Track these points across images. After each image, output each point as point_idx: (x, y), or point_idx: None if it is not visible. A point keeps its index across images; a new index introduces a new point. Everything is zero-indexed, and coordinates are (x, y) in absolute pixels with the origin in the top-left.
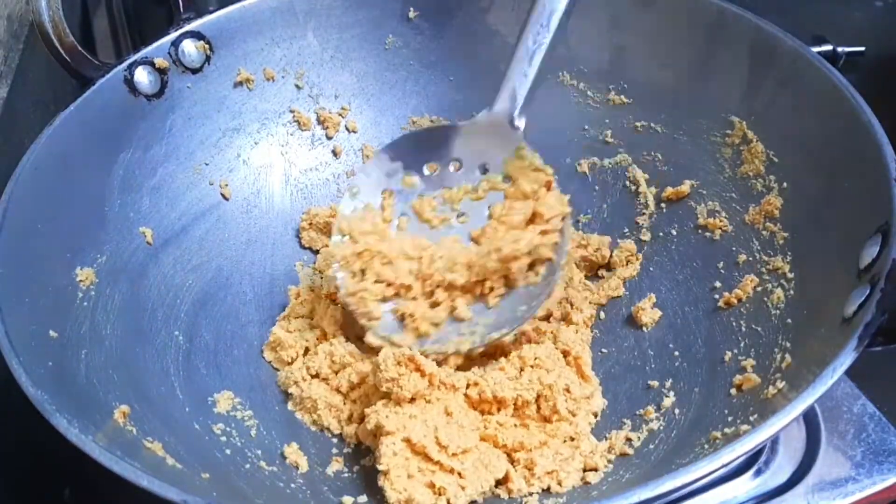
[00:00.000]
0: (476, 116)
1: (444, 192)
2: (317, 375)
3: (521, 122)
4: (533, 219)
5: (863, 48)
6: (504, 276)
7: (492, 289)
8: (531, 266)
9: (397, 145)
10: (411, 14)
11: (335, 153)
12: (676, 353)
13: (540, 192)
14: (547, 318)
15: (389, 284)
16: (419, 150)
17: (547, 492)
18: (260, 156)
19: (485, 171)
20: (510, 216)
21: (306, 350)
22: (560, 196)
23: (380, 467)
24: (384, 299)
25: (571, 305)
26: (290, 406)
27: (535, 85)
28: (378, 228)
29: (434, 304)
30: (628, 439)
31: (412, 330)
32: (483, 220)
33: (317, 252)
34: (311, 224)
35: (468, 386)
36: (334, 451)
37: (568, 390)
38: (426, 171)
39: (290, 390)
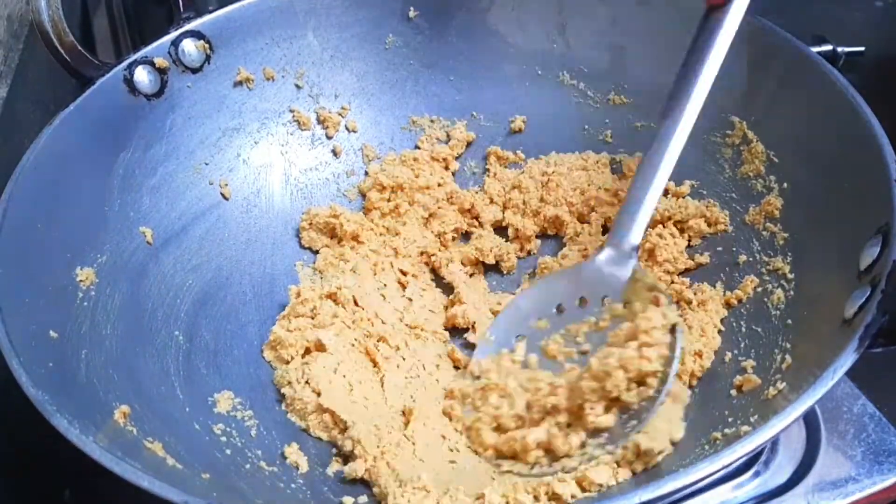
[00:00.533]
0: (599, 253)
1: (569, 326)
2: (308, 383)
3: (636, 241)
4: (635, 334)
5: (863, 48)
6: (605, 396)
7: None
8: (640, 383)
9: (528, 295)
10: (411, 14)
11: (335, 153)
12: None
13: (647, 307)
14: None
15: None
16: (550, 294)
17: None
18: (260, 155)
19: (607, 302)
20: (616, 336)
21: (306, 350)
22: (666, 310)
23: None
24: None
25: None
26: (283, 407)
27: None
28: (509, 370)
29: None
30: None
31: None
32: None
33: (316, 252)
34: (311, 224)
35: None
36: (334, 451)
37: None
38: (555, 312)
39: (283, 390)
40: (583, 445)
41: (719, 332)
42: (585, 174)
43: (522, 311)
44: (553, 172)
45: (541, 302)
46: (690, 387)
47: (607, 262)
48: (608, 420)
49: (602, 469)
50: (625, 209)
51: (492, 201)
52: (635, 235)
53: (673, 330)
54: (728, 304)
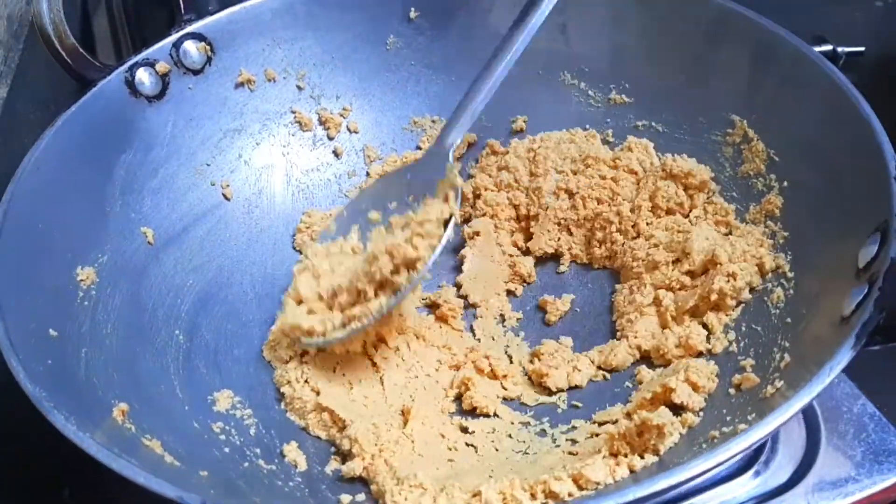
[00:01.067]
0: (424, 155)
1: (392, 219)
2: (307, 382)
3: (453, 141)
4: (408, 223)
5: (863, 48)
6: (373, 279)
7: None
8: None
9: (367, 193)
10: (412, 14)
11: (336, 154)
12: None
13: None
14: None
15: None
16: (386, 191)
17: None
18: (261, 156)
19: (422, 197)
20: (395, 224)
21: (306, 350)
22: (447, 206)
23: None
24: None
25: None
26: (282, 406)
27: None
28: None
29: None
30: None
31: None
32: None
33: None
34: (308, 227)
35: None
36: (333, 450)
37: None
38: (389, 207)
39: (282, 389)
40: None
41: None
42: (574, 146)
43: (361, 207)
44: (539, 147)
45: (377, 198)
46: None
47: (429, 161)
48: (379, 302)
49: (599, 467)
50: (452, 116)
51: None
52: (453, 137)
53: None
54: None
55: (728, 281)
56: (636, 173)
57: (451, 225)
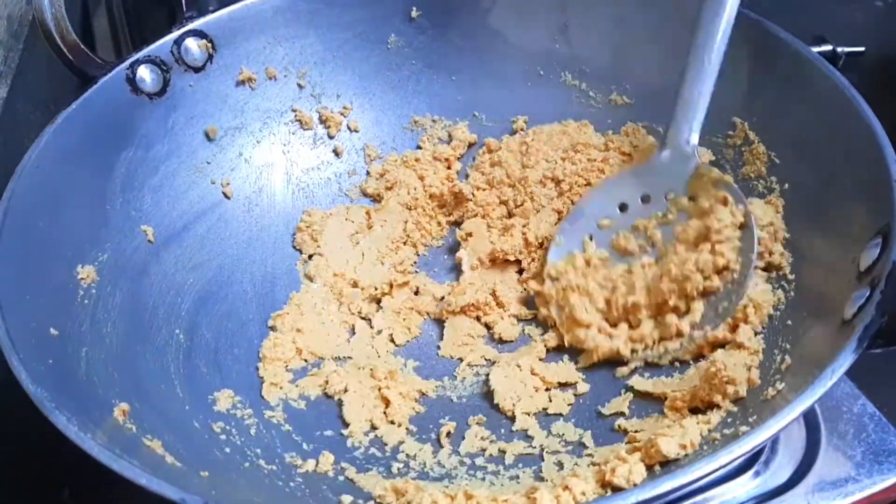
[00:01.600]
0: (658, 153)
1: (637, 222)
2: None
3: (695, 141)
4: (707, 235)
5: (863, 48)
6: (685, 295)
7: (677, 308)
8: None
9: (589, 198)
10: (414, 13)
11: (337, 153)
12: None
13: (715, 206)
14: None
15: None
16: (609, 197)
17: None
18: (262, 155)
19: (671, 196)
20: (686, 233)
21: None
22: (735, 208)
23: None
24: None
25: None
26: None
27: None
28: (583, 269)
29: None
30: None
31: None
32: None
33: (310, 257)
34: (308, 227)
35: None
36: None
37: None
38: (618, 212)
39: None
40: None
41: None
42: (567, 136)
43: (586, 213)
44: (532, 140)
45: (603, 203)
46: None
47: (667, 160)
48: (697, 309)
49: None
50: (679, 107)
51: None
52: (694, 132)
53: (743, 226)
54: None
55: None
56: (629, 155)
57: (752, 225)
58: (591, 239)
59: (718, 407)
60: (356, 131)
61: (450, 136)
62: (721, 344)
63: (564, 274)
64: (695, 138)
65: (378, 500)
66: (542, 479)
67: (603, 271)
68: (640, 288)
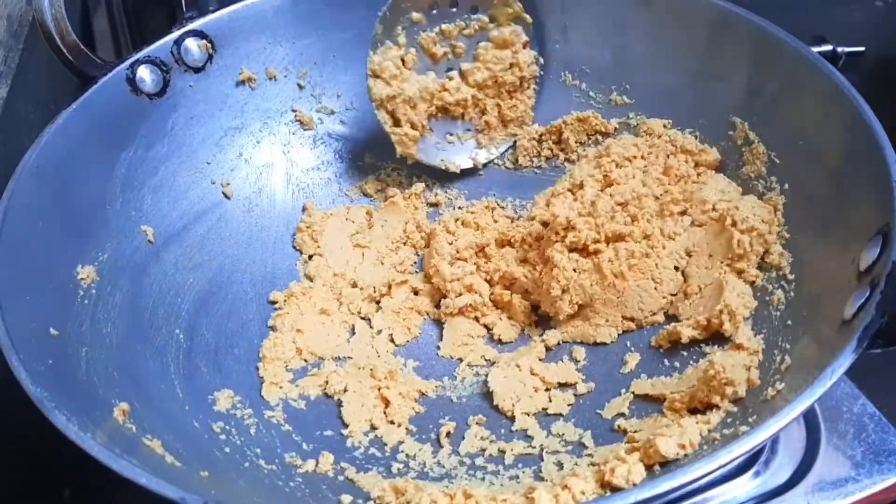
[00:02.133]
0: None
1: (443, 27)
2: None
3: None
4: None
5: (863, 48)
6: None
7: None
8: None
9: None
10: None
11: (337, 153)
12: None
13: (517, 47)
14: None
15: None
16: None
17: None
18: (262, 155)
19: (475, 10)
20: (492, 64)
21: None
22: (532, 54)
23: None
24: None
25: None
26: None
27: None
28: (399, 70)
29: None
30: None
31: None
32: (471, 59)
33: (310, 257)
34: (308, 227)
35: None
36: None
37: None
38: (429, 8)
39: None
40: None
41: None
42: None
43: (399, 4)
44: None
45: None
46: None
47: None
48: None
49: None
50: None
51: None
52: None
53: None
54: None
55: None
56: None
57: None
58: (402, 30)
59: (718, 407)
60: (356, 131)
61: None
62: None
63: (384, 72)
64: None
65: (377, 500)
66: (541, 479)
67: (417, 79)
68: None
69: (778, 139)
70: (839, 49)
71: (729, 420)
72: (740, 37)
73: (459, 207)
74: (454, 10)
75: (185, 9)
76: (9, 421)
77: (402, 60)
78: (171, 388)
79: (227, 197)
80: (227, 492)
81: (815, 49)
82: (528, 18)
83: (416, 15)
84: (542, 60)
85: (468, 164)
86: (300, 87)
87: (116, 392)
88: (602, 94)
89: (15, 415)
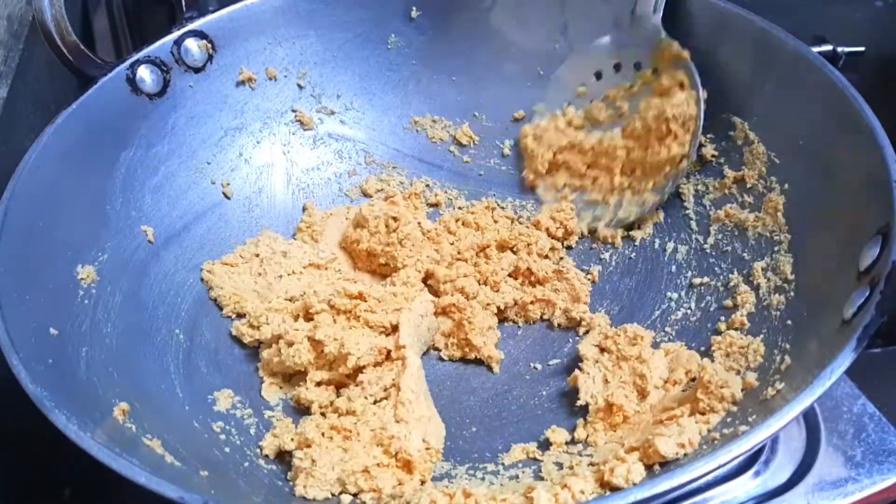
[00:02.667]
0: (627, 23)
1: (608, 92)
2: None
3: (660, 12)
4: (667, 122)
5: (863, 48)
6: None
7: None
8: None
9: (568, 66)
10: (414, 13)
11: (337, 153)
12: None
13: (673, 89)
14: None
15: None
16: (586, 65)
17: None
18: (262, 155)
19: (639, 67)
20: (646, 111)
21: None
22: (689, 92)
23: None
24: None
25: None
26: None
27: None
28: (567, 132)
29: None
30: None
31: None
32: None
33: None
34: (308, 227)
35: None
36: None
37: None
38: (593, 80)
39: None
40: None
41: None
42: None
43: (565, 81)
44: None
45: (581, 70)
46: None
47: (636, 30)
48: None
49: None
50: None
51: None
52: (660, 5)
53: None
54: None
55: None
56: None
57: (702, 106)
58: (569, 105)
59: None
60: (356, 131)
61: (452, 136)
62: None
63: (546, 132)
64: (661, 9)
65: (377, 499)
66: (541, 479)
67: (578, 139)
68: (612, 157)
69: (778, 139)
70: (839, 49)
71: (728, 420)
72: (739, 36)
73: (460, 208)
74: (618, 73)
75: (185, 9)
76: (9, 421)
77: (569, 122)
78: (171, 387)
79: (227, 197)
80: (227, 492)
81: (815, 49)
82: (685, 54)
83: (580, 89)
84: (704, 95)
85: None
86: (300, 87)
87: (116, 392)
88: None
89: (15, 415)
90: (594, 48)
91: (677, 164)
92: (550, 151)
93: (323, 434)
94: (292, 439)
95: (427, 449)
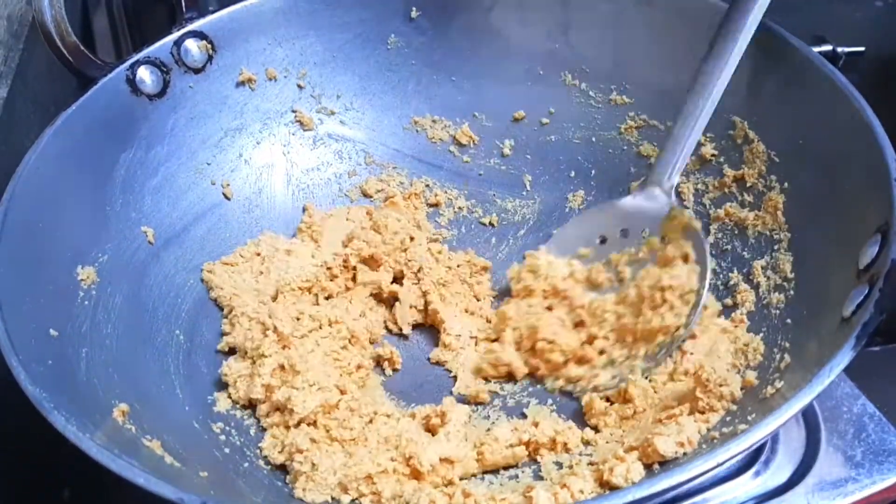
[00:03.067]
0: (642, 189)
1: (612, 256)
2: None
3: (675, 181)
4: (662, 292)
5: (863, 48)
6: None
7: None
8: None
9: (575, 224)
10: (413, 14)
11: (337, 153)
12: None
13: (678, 261)
14: None
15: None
16: (592, 228)
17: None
18: (262, 155)
19: (646, 234)
20: (641, 283)
21: None
22: (693, 270)
23: None
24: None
25: None
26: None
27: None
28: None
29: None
30: None
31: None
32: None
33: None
34: (308, 227)
35: None
36: None
37: None
38: (598, 242)
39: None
40: (612, 363)
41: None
42: None
43: (569, 239)
44: None
45: (586, 232)
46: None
47: (648, 197)
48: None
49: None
50: (669, 145)
51: None
52: (674, 174)
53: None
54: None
55: None
56: None
57: (703, 292)
58: (573, 258)
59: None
60: (356, 132)
61: (452, 137)
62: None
63: (538, 272)
64: (676, 178)
65: (376, 498)
66: (540, 479)
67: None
68: (600, 321)
69: (778, 139)
70: (839, 49)
71: (728, 419)
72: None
73: (459, 208)
74: (625, 238)
75: (184, 9)
76: (9, 421)
77: (570, 274)
78: (171, 388)
79: (227, 198)
80: (227, 492)
81: (815, 49)
82: (696, 225)
83: (583, 251)
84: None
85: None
86: (300, 87)
87: (116, 392)
88: (602, 94)
89: (15, 415)
90: (600, 213)
91: (672, 333)
92: (546, 284)
93: (314, 441)
94: (280, 452)
95: (442, 463)
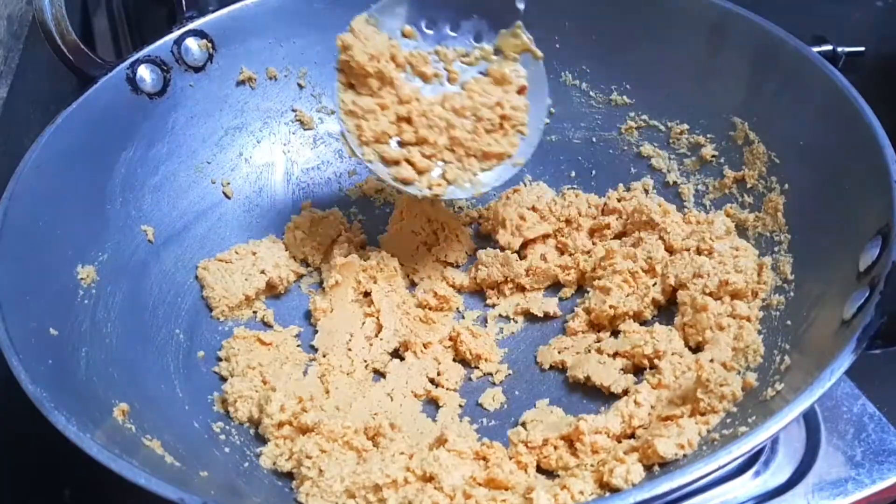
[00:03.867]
0: None
1: (438, 48)
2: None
3: (522, 4)
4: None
5: (863, 48)
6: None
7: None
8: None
9: None
10: None
11: (337, 152)
12: None
13: (512, 88)
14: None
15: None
16: (423, 6)
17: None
18: (262, 154)
19: (479, 39)
20: (477, 96)
21: None
22: (527, 102)
23: None
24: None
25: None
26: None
27: None
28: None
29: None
30: None
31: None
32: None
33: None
34: (296, 227)
35: None
36: None
37: None
38: (424, 27)
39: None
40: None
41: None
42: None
43: (395, 11)
44: None
45: (417, 8)
46: None
47: (495, 4)
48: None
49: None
50: None
51: None
52: None
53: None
54: None
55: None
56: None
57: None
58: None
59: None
60: None
61: None
62: None
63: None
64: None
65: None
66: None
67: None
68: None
69: (778, 139)
70: (839, 49)
71: (728, 421)
72: (741, 37)
73: (459, 208)
74: (454, 35)
75: (185, 8)
76: (9, 421)
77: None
78: (171, 388)
79: (227, 196)
80: (227, 492)
81: (815, 49)
82: (539, 53)
83: (406, 28)
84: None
85: (422, 193)
86: (300, 86)
87: (116, 392)
88: (602, 94)
89: (15, 415)
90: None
91: (502, 159)
92: (371, 67)
93: (324, 451)
94: (287, 459)
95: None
